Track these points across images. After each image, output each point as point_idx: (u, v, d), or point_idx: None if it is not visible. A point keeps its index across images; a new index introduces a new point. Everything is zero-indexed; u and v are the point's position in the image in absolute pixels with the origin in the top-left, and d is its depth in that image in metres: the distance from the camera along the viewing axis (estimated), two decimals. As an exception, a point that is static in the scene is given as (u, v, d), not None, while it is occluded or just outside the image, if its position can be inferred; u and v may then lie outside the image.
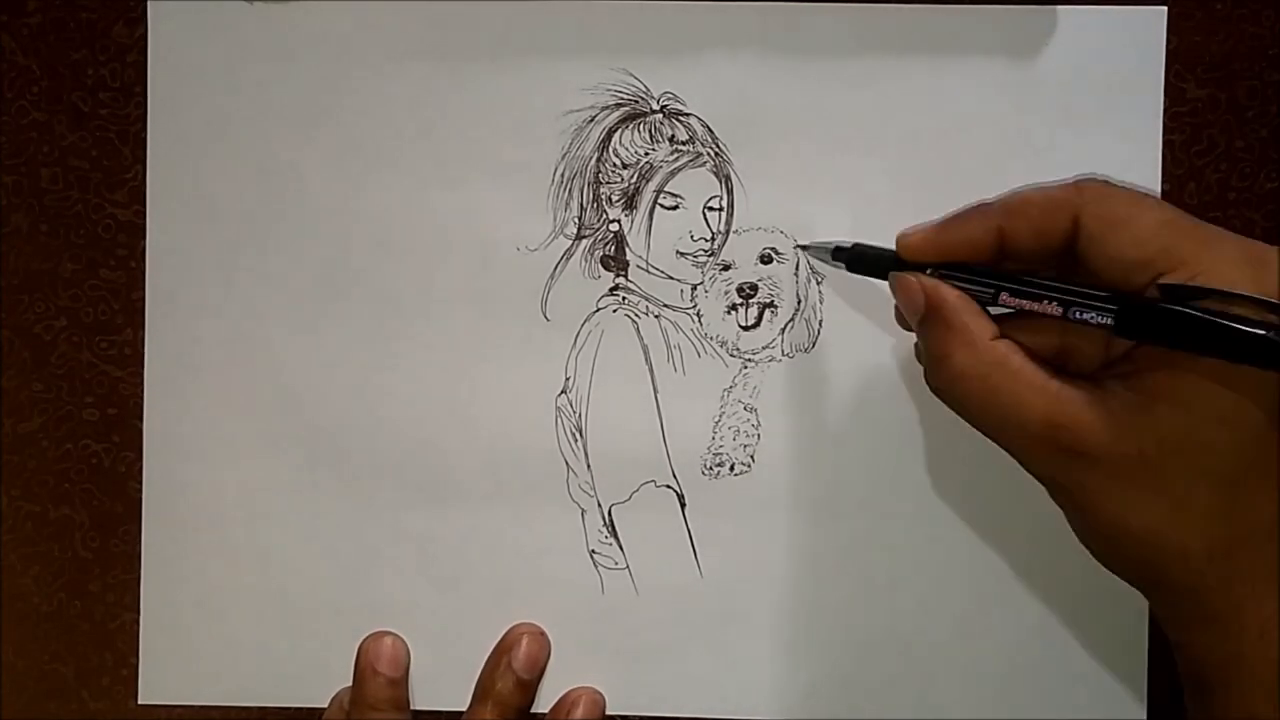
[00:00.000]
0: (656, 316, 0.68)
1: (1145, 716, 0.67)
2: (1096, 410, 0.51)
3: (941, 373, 0.55)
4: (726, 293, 0.67)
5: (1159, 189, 0.66)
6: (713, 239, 0.67)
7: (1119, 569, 0.54)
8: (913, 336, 0.57)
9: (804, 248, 0.67)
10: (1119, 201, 0.53)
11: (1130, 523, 0.51)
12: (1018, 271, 0.55)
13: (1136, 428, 0.51)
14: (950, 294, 0.55)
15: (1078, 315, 0.53)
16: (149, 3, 0.68)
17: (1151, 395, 0.51)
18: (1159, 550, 0.51)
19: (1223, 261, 0.50)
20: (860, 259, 0.60)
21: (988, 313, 0.55)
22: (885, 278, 0.58)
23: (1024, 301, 0.54)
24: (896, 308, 0.58)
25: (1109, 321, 0.52)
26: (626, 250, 0.68)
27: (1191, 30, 0.67)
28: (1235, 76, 0.67)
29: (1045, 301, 0.53)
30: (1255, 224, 0.67)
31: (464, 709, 0.68)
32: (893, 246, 0.57)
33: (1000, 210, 0.55)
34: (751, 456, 0.67)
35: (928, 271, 0.56)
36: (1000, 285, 0.55)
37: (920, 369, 0.57)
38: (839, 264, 0.61)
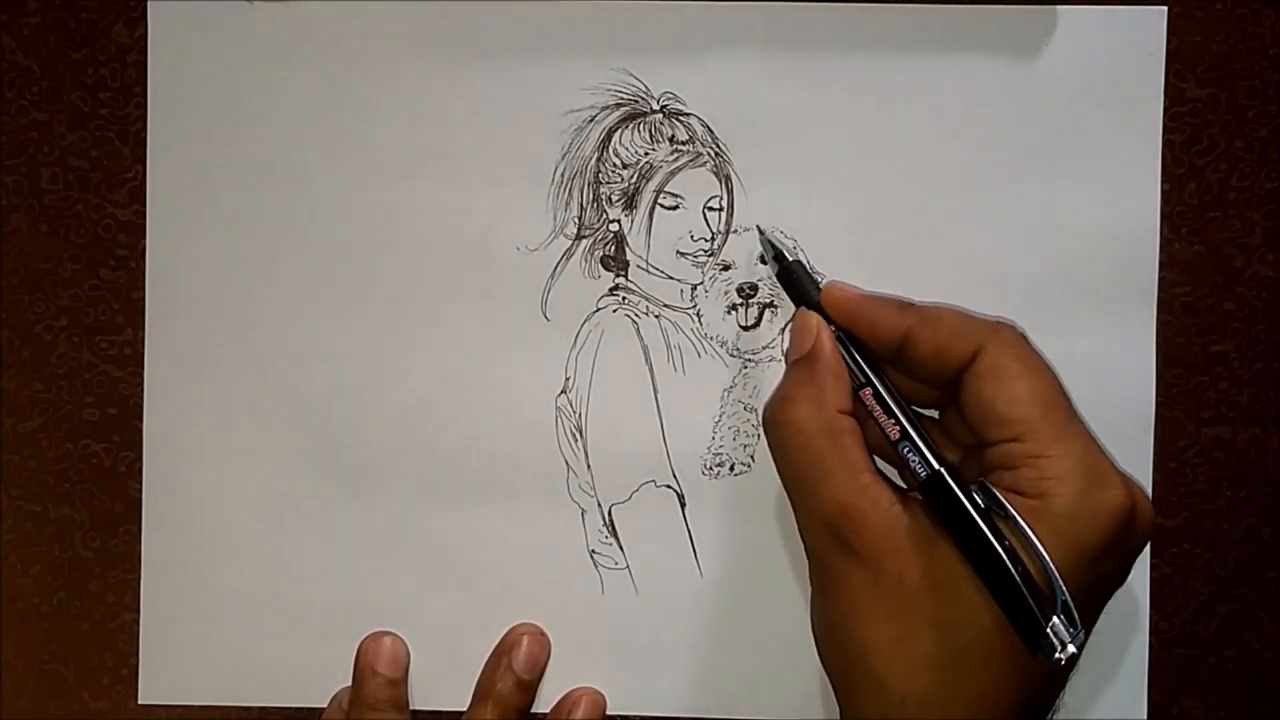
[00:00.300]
0: (656, 316, 0.68)
1: (1145, 716, 0.67)
2: (888, 519, 0.53)
3: (779, 412, 0.56)
4: (726, 293, 0.67)
5: (1159, 189, 0.66)
6: (713, 239, 0.67)
7: (827, 661, 0.56)
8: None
9: (760, 230, 0.67)
10: (1016, 356, 0.54)
11: (855, 629, 0.53)
12: (909, 379, 0.58)
13: (911, 554, 0.52)
14: (830, 351, 0.57)
15: (905, 451, 0.55)
16: (149, 2, 0.68)
17: (938, 536, 0.53)
18: (866, 669, 0.53)
19: (1066, 458, 0.52)
20: (789, 276, 0.61)
21: (853, 387, 0.57)
22: (794, 298, 0.61)
23: (876, 408, 0.56)
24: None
25: (922, 475, 0.54)
26: (626, 250, 0.68)
27: (1191, 30, 0.67)
28: (1235, 76, 0.67)
29: (889, 421, 0.56)
30: (1255, 224, 0.67)
31: (464, 709, 0.68)
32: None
33: (916, 315, 0.56)
34: (752, 456, 0.67)
35: (832, 328, 0.58)
36: (866, 383, 0.57)
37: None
38: (773, 265, 0.63)
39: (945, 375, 0.56)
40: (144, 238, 0.69)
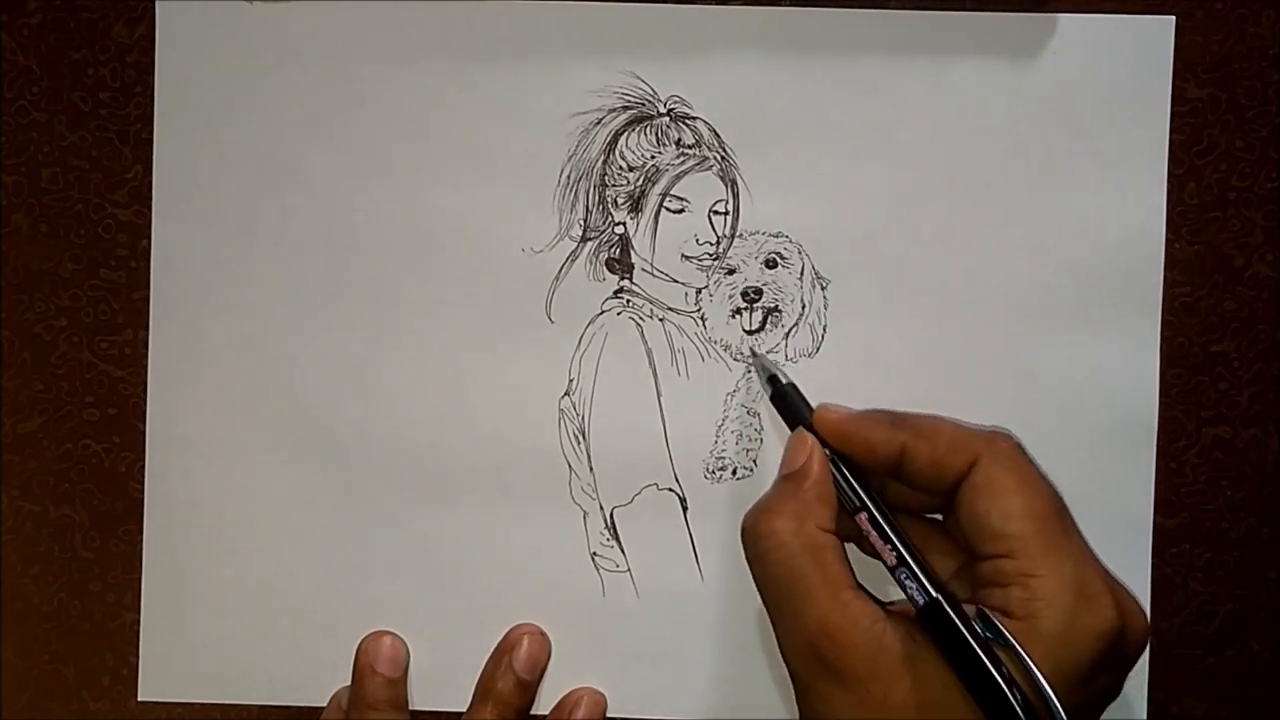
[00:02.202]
0: (661, 320, 0.67)
1: (1145, 717, 0.67)
2: (871, 639, 0.52)
3: (761, 522, 0.56)
4: (731, 297, 0.67)
5: (1164, 196, 0.66)
6: (718, 243, 0.67)
7: None
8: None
9: (754, 355, 0.67)
10: (1011, 470, 0.54)
11: None
12: (907, 491, 0.58)
13: (895, 675, 0.52)
14: (818, 470, 0.57)
15: (902, 577, 0.55)
16: (157, 2, 0.68)
17: (922, 655, 0.52)
18: None
19: (1055, 577, 0.52)
20: (783, 399, 0.62)
21: (843, 507, 0.57)
22: (789, 421, 0.61)
23: (872, 533, 0.56)
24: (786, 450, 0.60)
25: (920, 603, 0.54)
26: (631, 253, 0.67)
27: (1191, 30, 0.67)
28: (1235, 76, 0.67)
29: (886, 546, 0.56)
30: (1255, 224, 0.67)
31: (464, 709, 0.68)
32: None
33: (911, 429, 0.56)
34: (754, 460, 0.67)
35: (826, 451, 0.58)
36: (861, 507, 0.57)
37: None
38: (766, 388, 0.64)
39: (943, 487, 0.55)
40: (144, 238, 0.69)
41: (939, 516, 0.60)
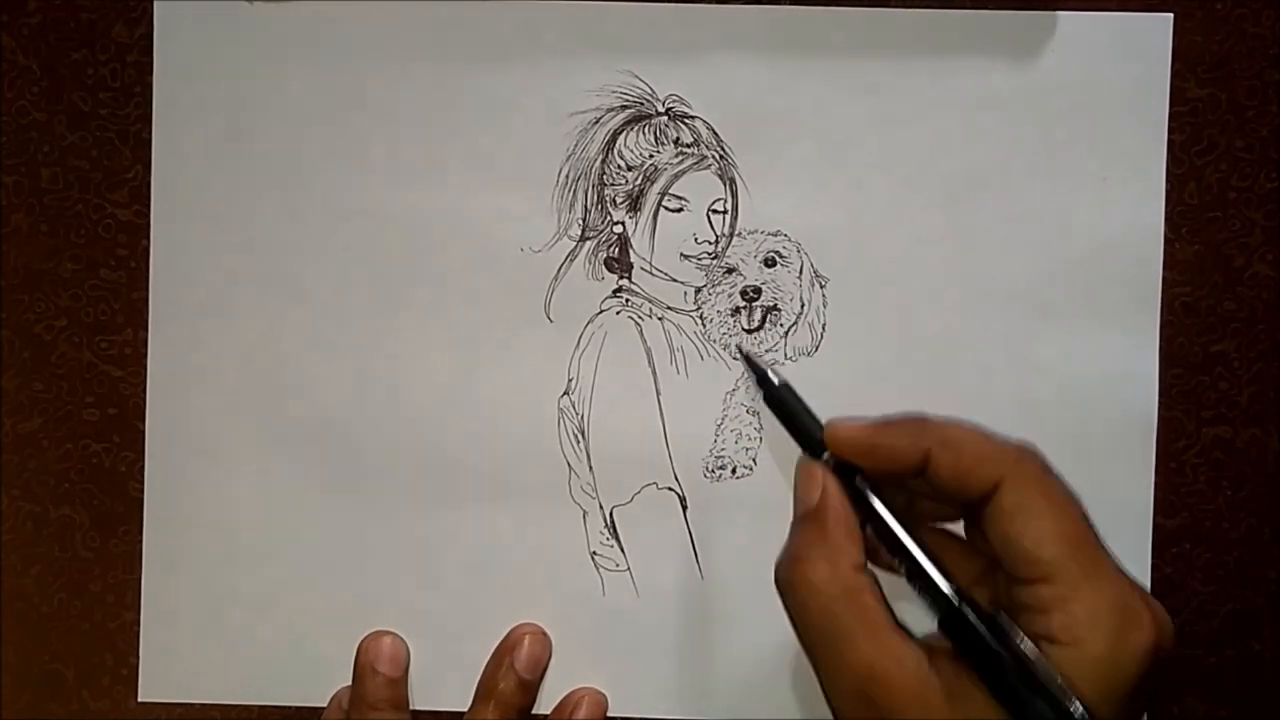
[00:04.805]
0: (660, 319, 0.68)
1: (1145, 716, 0.67)
2: (918, 679, 0.51)
3: (794, 572, 0.54)
4: (730, 295, 0.67)
5: (1163, 194, 0.66)
6: (717, 242, 0.67)
7: None
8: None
9: (744, 356, 0.62)
10: (1042, 491, 0.53)
11: None
12: (925, 494, 0.56)
13: (945, 712, 0.51)
14: (839, 506, 0.54)
15: (916, 589, 0.53)
16: (155, 2, 0.68)
17: (971, 689, 0.51)
18: None
19: (1097, 599, 0.51)
20: (781, 406, 0.58)
21: (865, 537, 0.55)
22: (791, 431, 0.58)
23: (882, 547, 0.54)
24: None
25: (938, 615, 0.53)
26: (630, 252, 0.68)
27: (1191, 30, 0.67)
28: (1235, 76, 0.67)
29: (897, 560, 0.54)
30: (1255, 224, 0.67)
31: (465, 709, 0.68)
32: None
33: (935, 437, 0.54)
34: (753, 459, 0.68)
35: (824, 456, 0.55)
36: (871, 520, 0.54)
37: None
38: (756, 390, 0.59)
39: (964, 499, 0.54)
40: (144, 238, 0.69)
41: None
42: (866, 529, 0.55)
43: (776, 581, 0.55)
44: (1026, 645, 0.50)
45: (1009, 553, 0.52)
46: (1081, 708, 0.49)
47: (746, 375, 0.64)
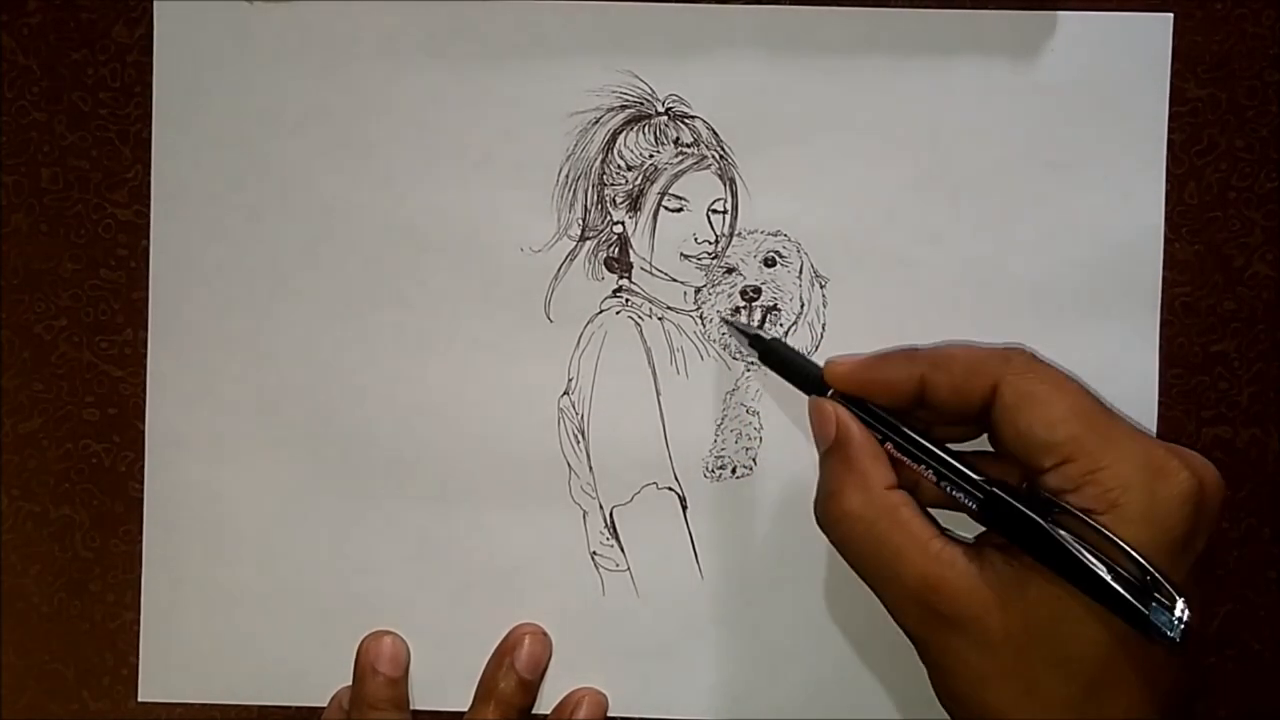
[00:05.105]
0: (660, 319, 0.68)
1: (1145, 716, 0.67)
2: (971, 579, 0.52)
3: (831, 508, 0.56)
4: (730, 295, 0.67)
5: (1163, 193, 0.66)
6: (716, 241, 0.67)
7: None
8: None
9: (727, 323, 0.67)
10: (1038, 380, 0.54)
11: (982, 696, 0.52)
12: (933, 421, 0.57)
13: (1005, 605, 0.52)
14: (857, 433, 0.56)
15: (949, 490, 0.55)
16: (155, 2, 0.68)
17: (1025, 576, 0.52)
18: None
19: (1122, 463, 0.51)
20: (778, 359, 0.61)
21: (889, 458, 0.56)
22: (792, 380, 0.60)
23: (905, 459, 0.56)
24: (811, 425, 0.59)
25: (973, 506, 0.54)
26: (630, 252, 0.67)
27: (1191, 30, 0.67)
28: (1235, 76, 0.67)
29: (923, 466, 0.55)
30: (1255, 224, 0.67)
31: (465, 709, 0.68)
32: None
33: (926, 360, 0.56)
34: (754, 459, 0.67)
35: (829, 394, 0.58)
36: (888, 436, 0.56)
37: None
38: (752, 351, 0.63)
39: (968, 412, 0.55)
40: (144, 238, 0.69)
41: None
42: (885, 446, 0.56)
43: (819, 520, 0.57)
44: (1067, 510, 0.51)
45: (1025, 446, 0.53)
46: (1137, 555, 0.49)
47: (735, 340, 0.66)
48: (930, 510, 0.56)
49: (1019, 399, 0.53)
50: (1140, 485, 0.51)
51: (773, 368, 0.62)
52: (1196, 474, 0.51)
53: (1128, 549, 0.50)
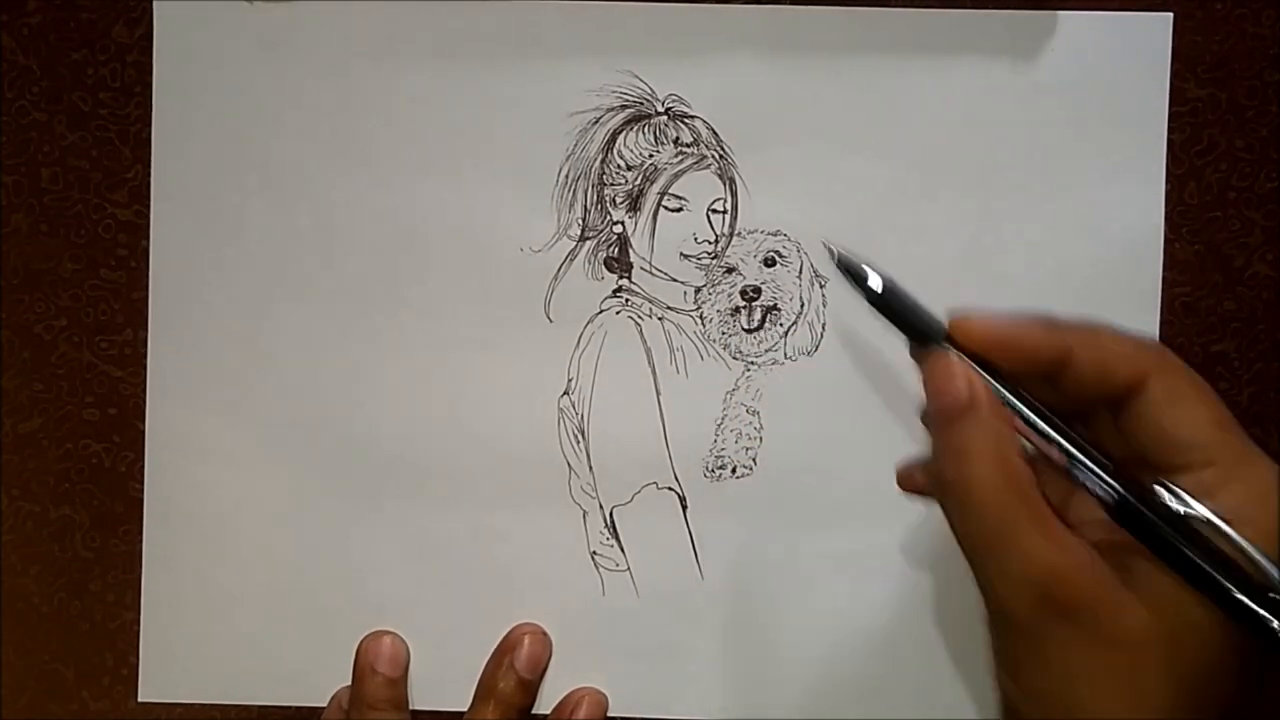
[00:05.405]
0: (660, 318, 0.68)
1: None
2: (1099, 573, 0.50)
3: (962, 469, 0.51)
4: (730, 295, 0.67)
5: (1163, 193, 0.66)
6: (716, 241, 0.67)
7: None
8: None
9: (840, 259, 0.55)
10: (1190, 381, 0.52)
11: (1079, 693, 0.50)
12: (1064, 392, 0.52)
13: (1131, 607, 0.49)
14: (991, 396, 0.51)
15: (1080, 477, 0.51)
16: (155, 2, 0.68)
17: (1151, 576, 0.50)
18: None
19: (1258, 479, 0.50)
20: (893, 303, 0.54)
21: None
22: (905, 328, 0.54)
23: (1033, 434, 0.52)
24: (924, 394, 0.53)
25: (1109, 499, 0.51)
26: (630, 252, 0.67)
27: (1191, 30, 0.67)
28: (1235, 76, 0.67)
29: (1053, 445, 0.51)
30: (1255, 224, 0.67)
31: (464, 709, 0.68)
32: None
33: (1076, 334, 0.52)
34: (754, 459, 0.67)
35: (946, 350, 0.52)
36: (1017, 409, 0.52)
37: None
38: (860, 291, 0.54)
39: (1104, 397, 0.52)
40: (144, 238, 0.69)
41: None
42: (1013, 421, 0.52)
43: (938, 483, 0.52)
44: (1205, 514, 0.49)
45: (1164, 442, 0.51)
46: (1270, 568, 0.48)
47: (841, 279, 0.55)
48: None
49: (1170, 395, 0.51)
50: (1264, 510, 0.49)
51: (884, 312, 0.54)
52: None
53: (1261, 560, 0.48)
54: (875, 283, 0.54)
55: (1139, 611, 0.49)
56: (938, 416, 0.52)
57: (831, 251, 0.55)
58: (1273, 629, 0.48)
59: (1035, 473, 0.51)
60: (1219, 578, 0.48)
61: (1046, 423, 0.52)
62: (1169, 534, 0.50)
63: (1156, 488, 0.51)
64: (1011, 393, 0.52)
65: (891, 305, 0.53)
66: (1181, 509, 0.50)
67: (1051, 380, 0.52)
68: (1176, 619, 0.49)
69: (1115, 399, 0.52)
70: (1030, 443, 0.52)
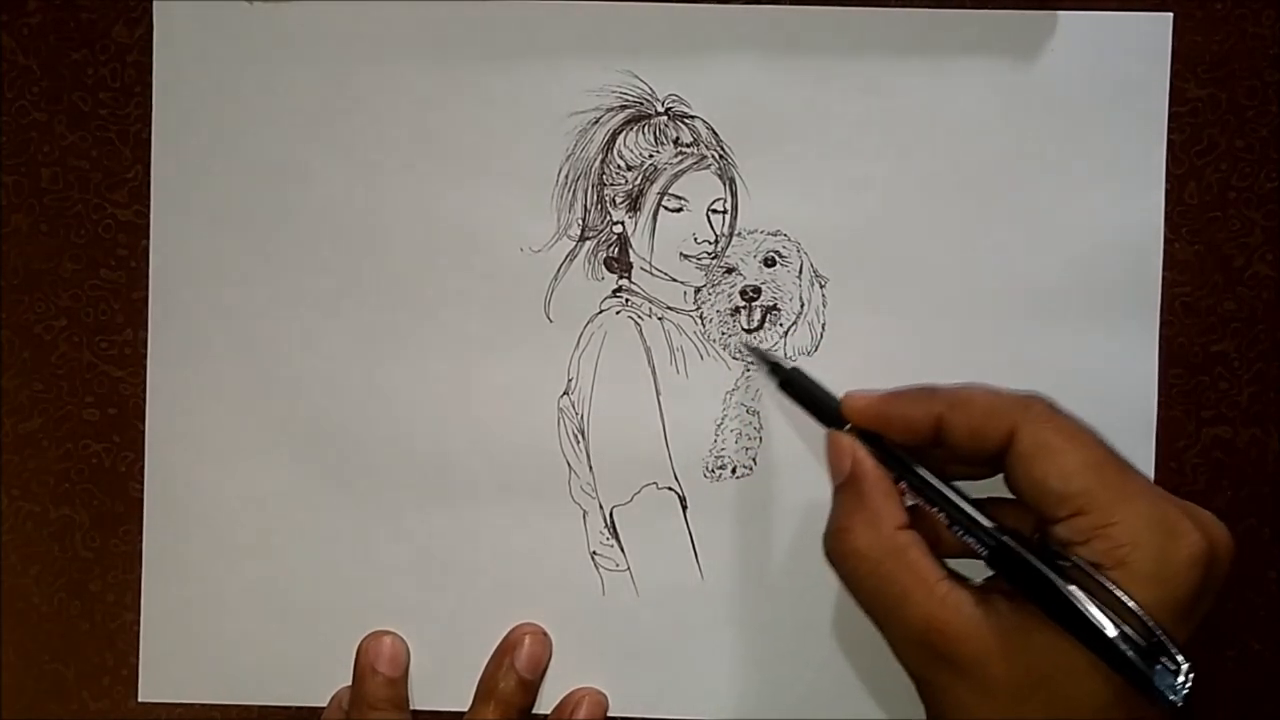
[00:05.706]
0: (659, 318, 0.68)
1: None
2: (976, 624, 0.52)
3: (840, 544, 0.56)
4: (730, 295, 0.67)
5: (1163, 193, 0.66)
6: (716, 241, 0.67)
7: None
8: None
9: (750, 349, 0.67)
10: (1055, 430, 0.53)
11: None
12: (949, 461, 0.56)
13: (1008, 653, 0.51)
14: (872, 471, 0.56)
15: (960, 534, 0.54)
16: (155, 2, 0.68)
17: (1030, 624, 0.51)
18: None
19: (1134, 519, 0.51)
20: (797, 388, 0.61)
21: (902, 497, 0.56)
22: (811, 411, 0.60)
23: (919, 499, 0.56)
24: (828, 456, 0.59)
25: (982, 553, 0.54)
26: (630, 252, 0.67)
27: (1191, 30, 0.67)
28: (1235, 76, 0.67)
29: (935, 508, 0.55)
30: (1255, 224, 0.67)
31: (464, 709, 0.68)
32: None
33: (945, 400, 0.56)
34: (753, 459, 0.67)
35: (846, 427, 0.58)
36: (902, 475, 0.56)
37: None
38: (773, 378, 0.62)
39: (984, 455, 0.55)
40: (144, 238, 0.69)
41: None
42: (903, 490, 0.56)
43: (827, 555, 0.57)
44: (1076, 563, 0.51)
45: (1039, 495, 0.53)
46: (1141, 611, 0.49)
47: (756, 367, 0.66)
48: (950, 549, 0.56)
49: (1035, 448, 0.53)
50: (1150, 544, 0.50)
51: (792, 397, 0.61)
52: (1208, 535, 0.51)
53: (1134, 608, 0.49)
54: (785, 366, 0.62)
55: (1018, 660, 0.51)
56: (833, 491, 0.57)
57: (748, 347, 0.67)
58: (1149, 678, 0.49)
59: (936, 528, 0.55)
60: (1096, 624, 0.50)
61: (927, 486, 0.56)
62: (1042, 583, 0.51)
63: (1040, 536, 0.53)
64: (899, 462, 0.56)
65: (799, 388, 0.61)
66: (1065, 560, 0.51)
67: (937, 444, 0.56)
68: (1059, 666, 0.51)
69: (992, 456, 0.54)
70: (921, 504, 0.56)
